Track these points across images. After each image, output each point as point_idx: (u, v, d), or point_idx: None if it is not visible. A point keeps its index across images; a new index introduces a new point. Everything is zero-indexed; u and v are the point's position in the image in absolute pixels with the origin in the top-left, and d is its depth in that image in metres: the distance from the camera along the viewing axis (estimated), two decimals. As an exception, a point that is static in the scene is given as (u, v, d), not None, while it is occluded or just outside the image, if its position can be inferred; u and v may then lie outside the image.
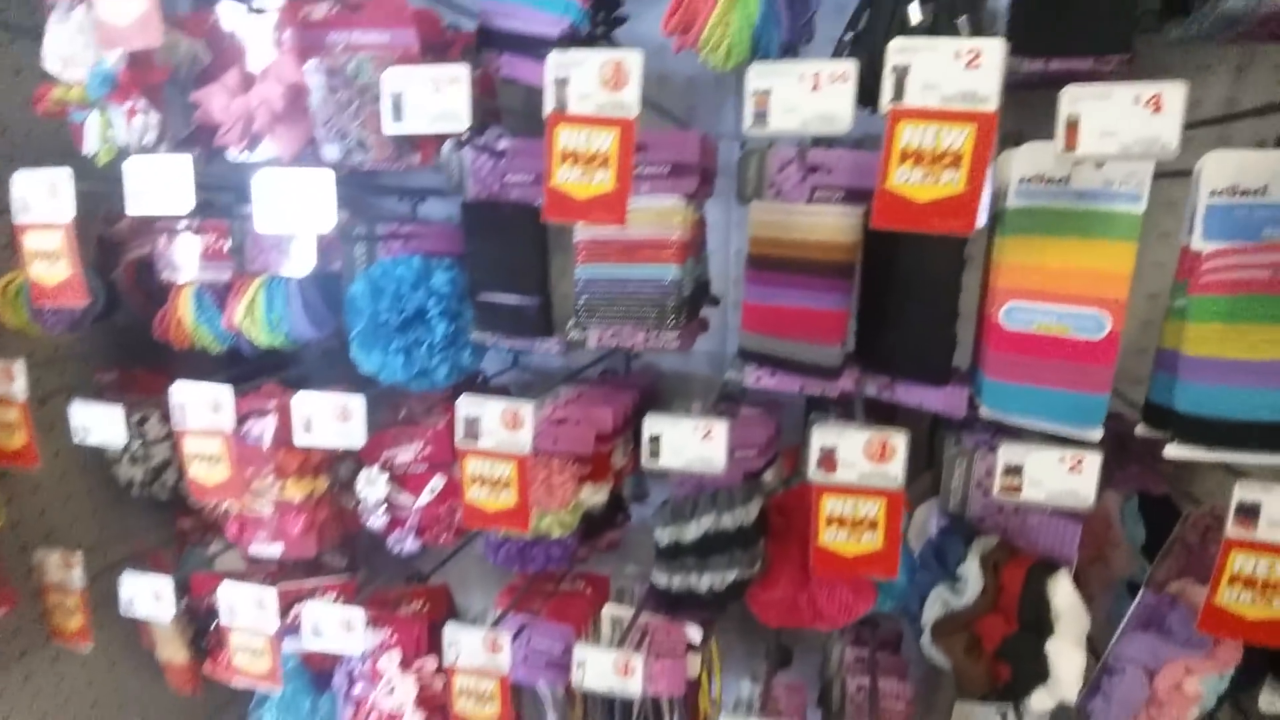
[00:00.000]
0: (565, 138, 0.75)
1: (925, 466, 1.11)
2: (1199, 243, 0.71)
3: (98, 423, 1.10)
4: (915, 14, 0.70)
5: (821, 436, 0.79)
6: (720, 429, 0.81)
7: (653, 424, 0.83)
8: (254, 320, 1.13)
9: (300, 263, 1.11)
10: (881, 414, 1.02)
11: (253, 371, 1.30)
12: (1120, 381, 1.09)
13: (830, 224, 0.82)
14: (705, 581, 0.98)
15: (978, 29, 0.69)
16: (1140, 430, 0.81)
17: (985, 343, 0.82)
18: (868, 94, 0.70)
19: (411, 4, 0.94)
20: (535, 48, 0.93)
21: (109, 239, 1.31)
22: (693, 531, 0.97)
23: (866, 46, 0.75)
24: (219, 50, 1.09)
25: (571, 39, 0.92)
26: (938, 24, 0.71)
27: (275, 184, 0.87)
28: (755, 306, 0.87)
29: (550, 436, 1.00)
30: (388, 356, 1.05)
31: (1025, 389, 0.79)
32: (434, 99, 0.78)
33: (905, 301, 0.85)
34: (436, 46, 1.00)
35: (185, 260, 1.23)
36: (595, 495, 1.04)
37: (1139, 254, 1.08)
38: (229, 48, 1.08)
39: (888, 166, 0.67)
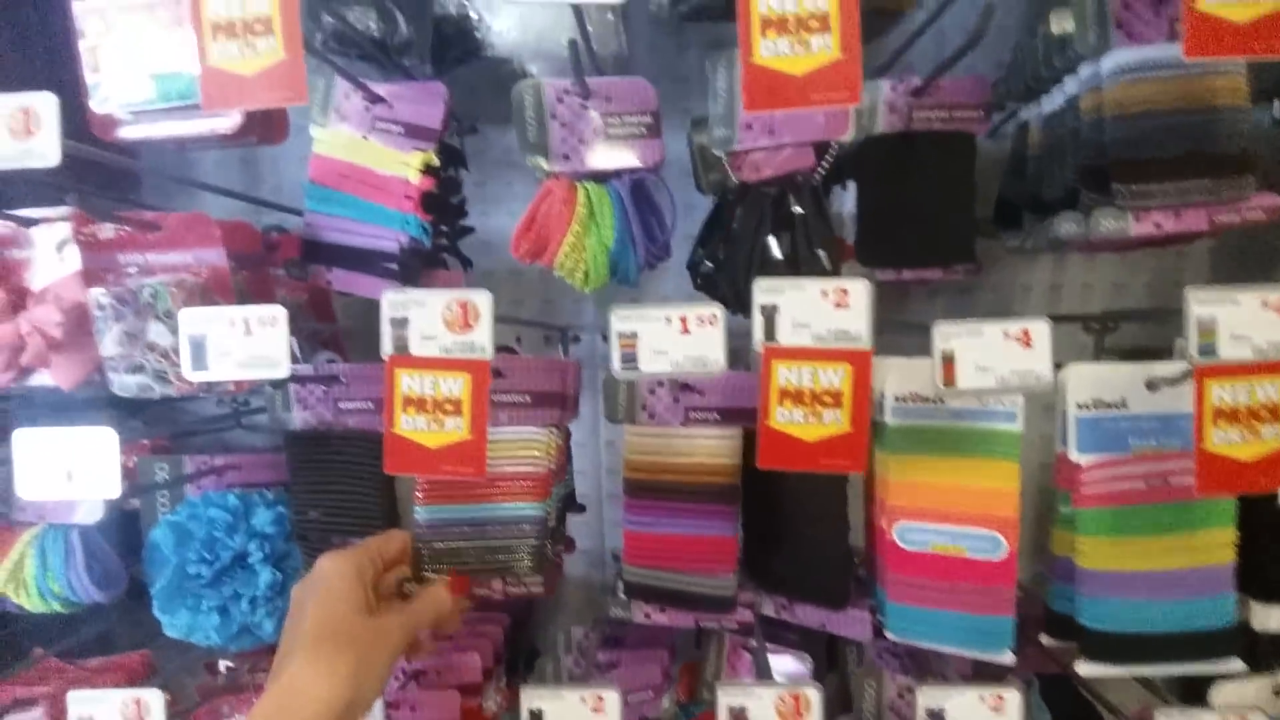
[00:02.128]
0: (408, 383, 0.65)
1: (828, 668, 1.03)
2: (1075, 454, 0.70)
3: None
4: (775, 248, 0.68)
5: (727, 696, 0.69)
6: (613, 699, 0.69)
7: (532, 698, 0.70)
8: (21, 584, 0.91)
9: (86, 510, 0.91)
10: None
11: (24, 635, 1.04)
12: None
13: (709, 446, 0.76)
14: None
15: (836, 261, 0.68)
16: (1045, 640, 0.77)
17: (883, 562, 0.77)
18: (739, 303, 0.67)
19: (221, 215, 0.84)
20: (372, 262, 0.85)
21: None
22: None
23: (728, 275, 0.72)
24: (-13, 263, 0.92)
25: (413, 253, 0.84)
26: (798, 254, 0.69)
27: (42, 445, 0.71)
28: (637, 535, 0.79)
29: (406, 704, 0.84)
30: (199, 616, 0.86)
31: (930, 612, 0.74)
32: (245, 343, 0.67)
33: (791, 520, 0.79)
34: (252, 259, 0.89)
35: (-70, 506, 0.99)
36: (465, 764, 0.87)
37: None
38: (2, 261, 0.92)
39: (768, 406, 0.62)
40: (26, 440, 0.71)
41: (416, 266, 0.86)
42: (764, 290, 0.61)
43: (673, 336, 0.61)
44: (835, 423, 0.61)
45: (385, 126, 0.82)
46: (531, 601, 1.16)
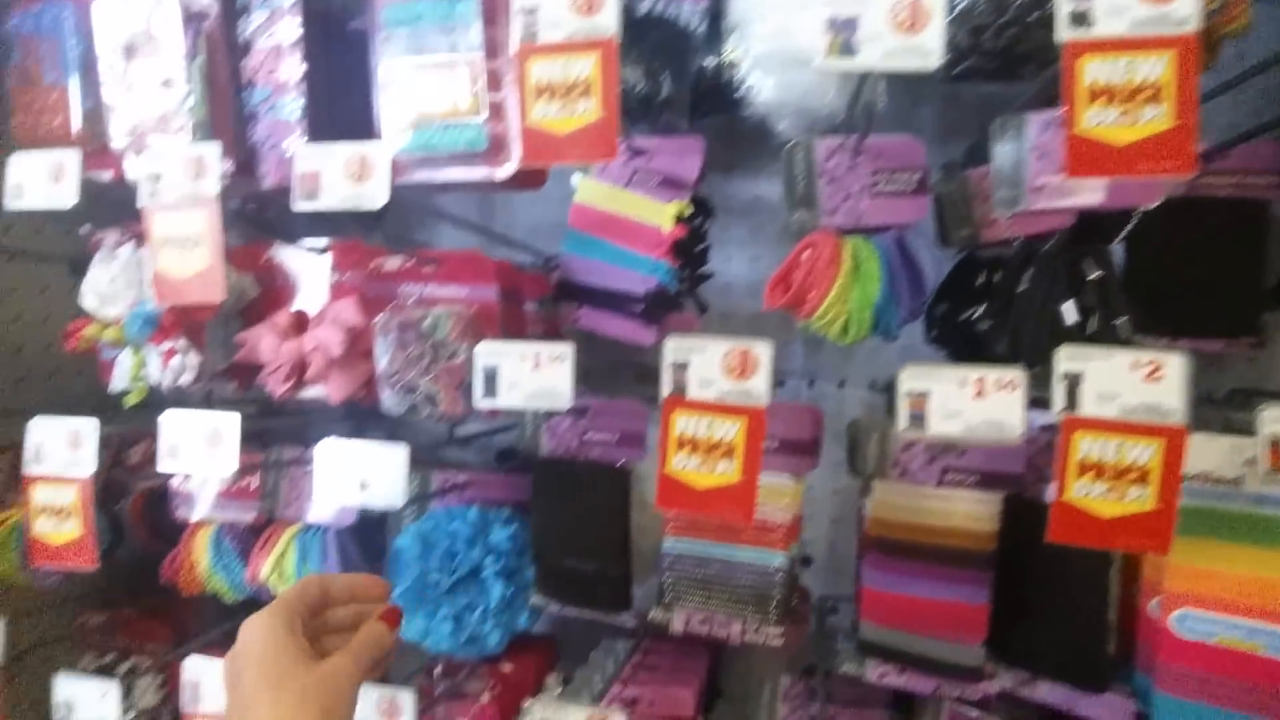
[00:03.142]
0: (683, 424, 0.67)
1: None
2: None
3: (86, 700, 0.94)
4: (1071, 314, 0.66)
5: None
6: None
7: (773, 749, 0.70)
8: (282, 576, 1.00)
9: (342, 513, 1.00)
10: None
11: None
12: None
13: (967, 510, 0.74)
14: None
15: (1130, 330, 0.65)
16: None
17: (1152, 647, 0.72)
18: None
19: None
20: (619, 303, 0.89)
21: (119, 464, 1.20)
22: None
23: (1013, 337, 0.70)
24: (268, 285, 1.04)
25: (658, 296, 0.88)
26: (1088, 320, 0.67)
27: (343, 456, 0.78)
28: (879, 594, 0.77)
29: (627, 733, 0.86)
30: (433, 622, 0.91)
31: (1209, 709, 0.68)
32: (532, 375, 0.72)
33: (1048, 593, 0.75)
34: (511, 294, 0.95)
35: (202, 496, 1.11)
36: (677, 803, 0.88)
37: None
38: (280, 284, 1.03)
39: (1065, 479, 0.60)
40: (328, 450, 0.79)
41: (660, 309, 0.89)
42: (1068, 358, 0.59)
43: (966, 399, 0.61)
44: (1139, 500, 0.58)
45: (644, 177, 0.87)
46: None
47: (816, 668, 0.90)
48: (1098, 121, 0.56)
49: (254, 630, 0.58)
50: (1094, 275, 0.66)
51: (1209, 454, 0.67)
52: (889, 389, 1.05)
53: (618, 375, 1.19)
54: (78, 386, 1.27)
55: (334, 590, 0.63)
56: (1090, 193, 0.65)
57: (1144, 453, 0.58)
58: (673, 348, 0.67)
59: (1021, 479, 0.74)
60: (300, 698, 0.55)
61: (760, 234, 1.12)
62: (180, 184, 0.79)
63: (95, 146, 1.00)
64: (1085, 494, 0.59)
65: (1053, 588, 0.75)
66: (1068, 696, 0.77)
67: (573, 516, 0.87)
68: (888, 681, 0.79)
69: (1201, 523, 0.68)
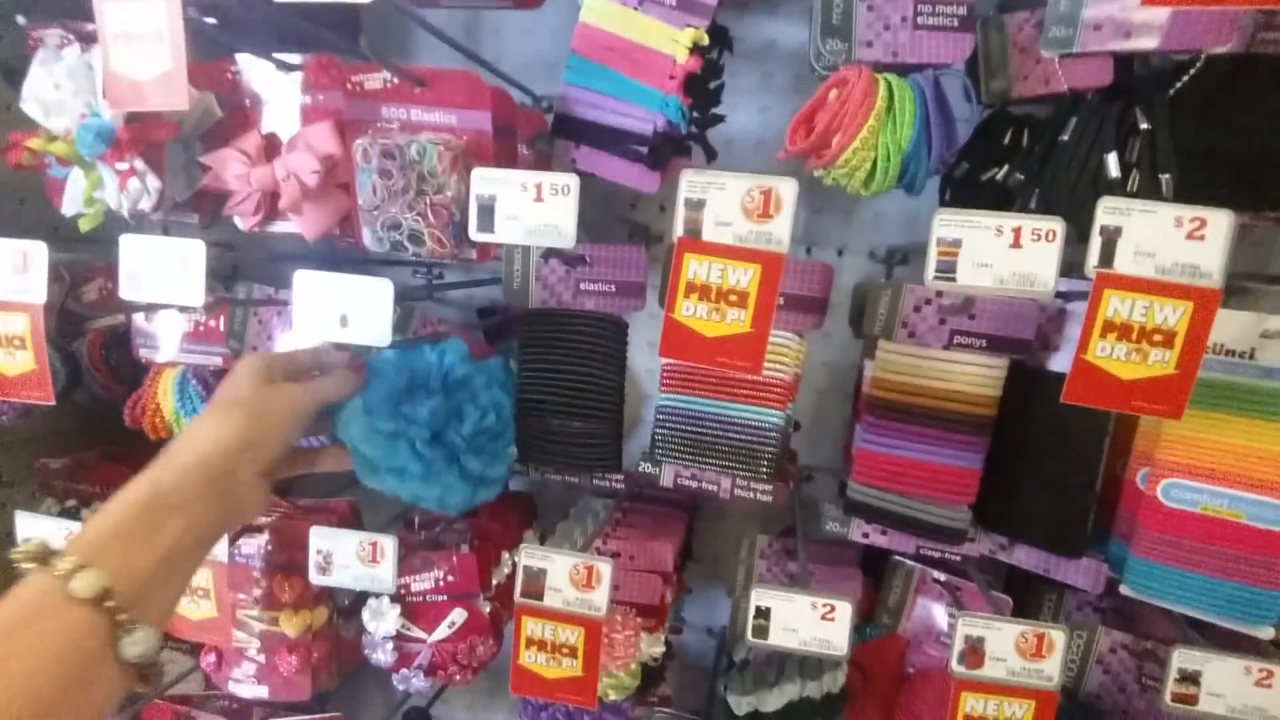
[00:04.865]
0: (694, 268, 0.63)
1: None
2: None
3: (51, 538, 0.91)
4: (1113, 166, 0.62)
5: (967, 626, 0.68)
6: (845, 610, 0.69)
7: (762, 596, 0.71)
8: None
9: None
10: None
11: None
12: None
13: (972, 374, 0.72)
14: (781, 753, 0.86)
15: (1175, 188, 0.62)
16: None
17: (1133, 516, 0.73)
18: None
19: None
20: (621, 142, 0.83)
21: (74, 299, 1.13)
22: (774, 700, 0.84)
23: (1046, 192, 0.66)
24: (234, 105, 0.94)
25: (665, 137, 0.82)
26: (1132, 176, 0.63)
27: (323, 289, 0.73)
28: (872, 455, 0.77)
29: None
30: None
31: (1181, 573, 0.71)
32: (534, 208, 0.66)
33: (1040, 461, 0.75)
34: (505, 129, 0.87)
35: (167, 337, 1.06)
36: (653, 647, 0.90)
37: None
38: (248, 105, 0.94)
39: (1088, 337, 0.58)
40: (307, 282, 0.73)
41: (666, 152, 0.83)
42: (1108, 210, 0.56)
43: (1001, 248, 0.57)
44: (1160, 363, 0.57)
45: (659, -2, 0.78)
46: (698, 505, 1.17)
47: (796, 528, 0.91)
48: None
49: (238, 363, 0.70)
50: (1145, 126, 0.62)
51: (1227, 326, 0.66)
52: (889, 258, 1.02)
53: (608, 231, 1.13)
54: (21, 216, 1.17)
55: (326, 362, 0.76)
56: (1153, 32, 0.60)
57: (1173, 314, 0.56)
58: (689, 182, 0.62)
59: (1030, 345, 0.72)
60: (237, 403, 0.66)
61: (771, 83, 1.04)
62: (132, -34, 0.68)
63: (25, -74, 0.87)
64: (1107, 354, 0.58)
65: (1044, 455, 0.75)
66: (1043, 561, 0.79)
67: (564, 372, 0.84)
68: (870, 541, 0.81)
69: (1204, 393, 0.68)
